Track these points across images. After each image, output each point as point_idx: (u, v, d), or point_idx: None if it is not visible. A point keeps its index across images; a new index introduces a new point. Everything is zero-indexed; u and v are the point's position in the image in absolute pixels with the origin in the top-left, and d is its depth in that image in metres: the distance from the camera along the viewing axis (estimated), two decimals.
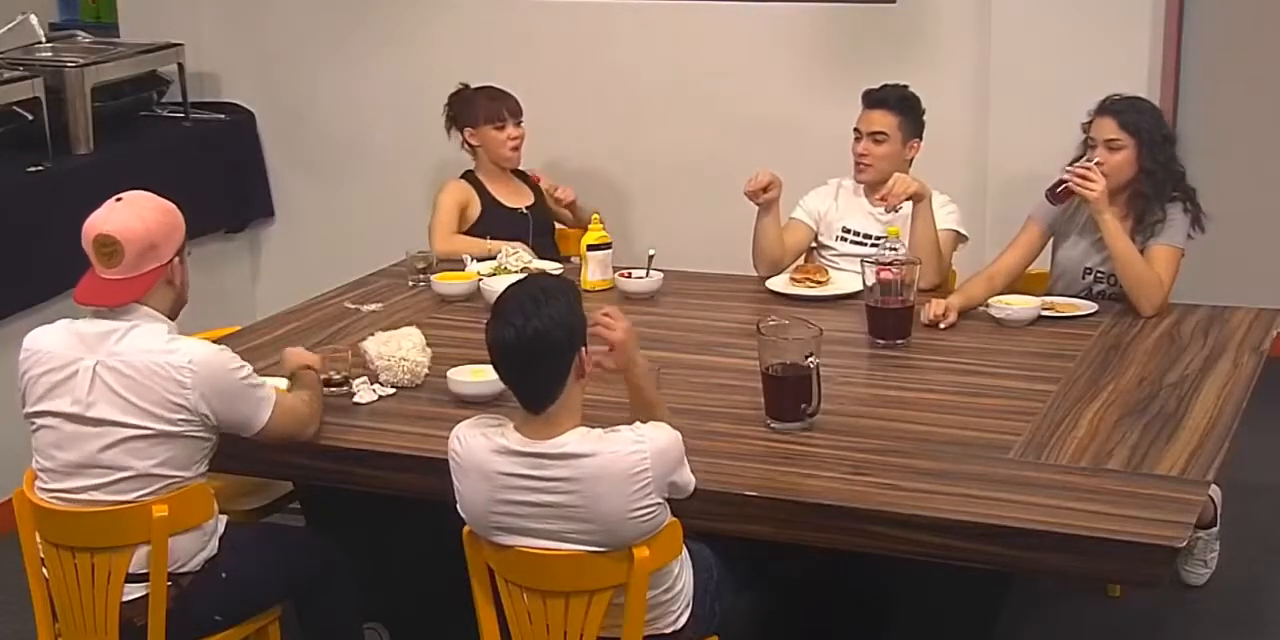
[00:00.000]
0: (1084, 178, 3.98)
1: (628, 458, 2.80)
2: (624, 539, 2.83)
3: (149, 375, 3.08)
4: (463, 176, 4.99)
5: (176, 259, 3.18)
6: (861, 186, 4.54)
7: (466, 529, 2.96)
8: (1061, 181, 4.03)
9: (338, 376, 3.62)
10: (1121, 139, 4.04)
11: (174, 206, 3.22)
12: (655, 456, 2.82)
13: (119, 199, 3.17)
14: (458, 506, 2.95)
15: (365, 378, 3.66)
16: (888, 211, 4.26)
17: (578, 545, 2.84)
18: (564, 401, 2.86)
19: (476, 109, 4.91)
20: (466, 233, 4.87)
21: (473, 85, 5.03)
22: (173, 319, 3.22)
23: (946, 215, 4.41)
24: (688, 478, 2.92)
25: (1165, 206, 4.06)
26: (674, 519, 2.92)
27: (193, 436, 3.13)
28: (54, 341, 3.16)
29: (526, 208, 4.97)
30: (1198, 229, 4.11)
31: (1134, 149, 4.04)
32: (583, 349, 2.90)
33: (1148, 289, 4.02)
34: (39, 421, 3.16)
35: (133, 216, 3.12)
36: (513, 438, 2.86)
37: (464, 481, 2.91)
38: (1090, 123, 4.11)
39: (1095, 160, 4.05)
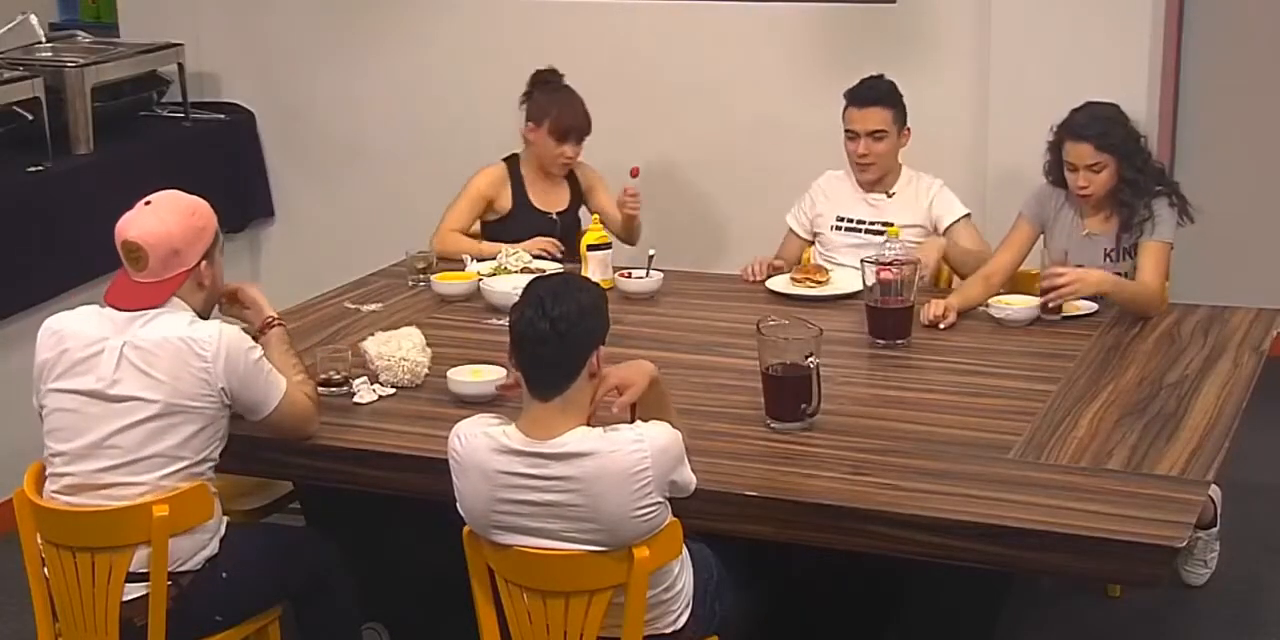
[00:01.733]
0: (1062, 287, 3.93)
1: (628, 456, 2.80)
2: (624, 538, 2.83)
3: (173, 352, 3.11)
4: (506, 160, 4.86)
5: (204, 262, 3.20)
6: (851, 174, 4.54)
7: (466, 529, 2.96)
8: (1046, 302, 3.98)
9: (338, 376, 3.62)
10: (1101, 161, 4.04)
11: (202, 207, 3.24)
12: (656, 455, 2.82)
13: (147, 202, 3.20)
14: (457, 506, 2.95)
15: (365, 378, 3.66)
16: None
17: (578, 545, 2.84)
18: (571, 395, 2.86)
19: (548, 115, 4.73)
20: (492, 224, 4.81)
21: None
22: (205, 317, 3.26)
23: (953, 204, 4.43)
24: (688, 477, 2.91)
25: (1151, 204, 4.06)
26: (674, 519, 2.91)
27: (209, 415, 3.15)
28: (81, 323, 3.19)
29: (558, 213, 4.85)
30: (1186, 219, 4.11)
31: (1114, 164, 4.04)
32: (600, 349, 2.91)
33: (1151, 307, 4.01)
34: (56, 401, 3.17)
35: (156, 222, 3.15)
36: (514, 436, 2.86)
37: (464, 480, 2.91)
38: (1058, 142, 4.09)
39: (1079, 185, 4.05)
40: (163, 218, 3.15)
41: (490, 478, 2.86)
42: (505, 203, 4.81)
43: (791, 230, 4.68)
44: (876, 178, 4.50)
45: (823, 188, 4.64)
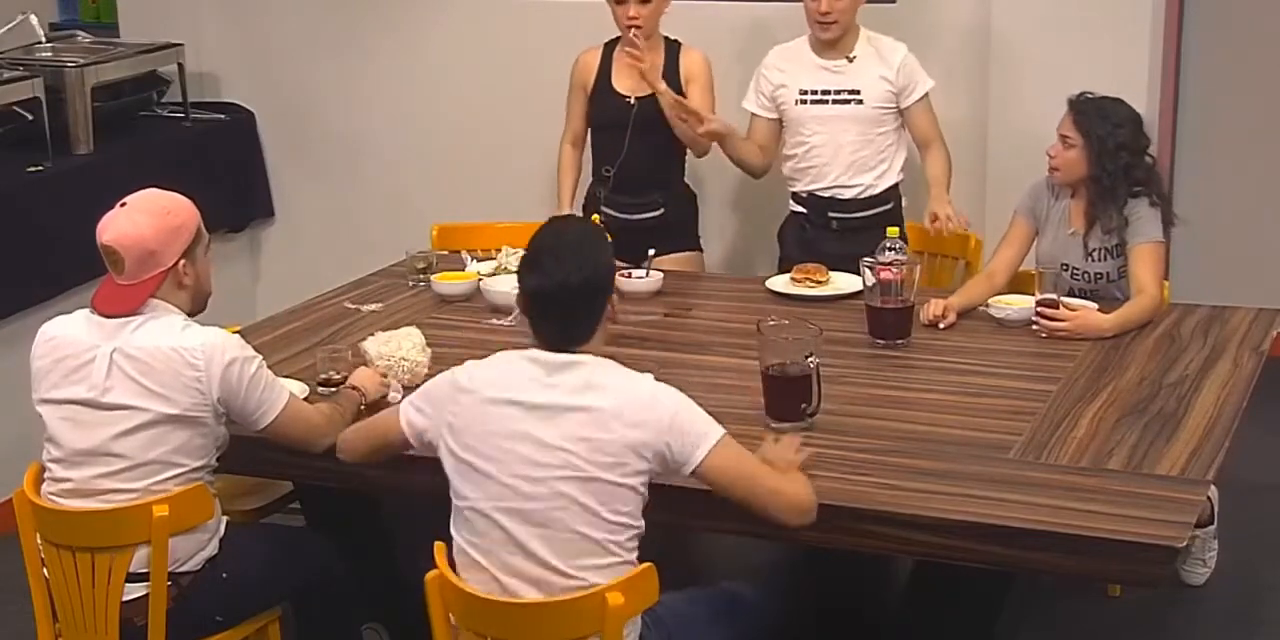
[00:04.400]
0: (1058, 327, 3.89)
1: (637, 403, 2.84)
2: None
3: (163, 360, 3.10)
4: (608, 42, 4.74)
5: (184, 261, 3.17)
6: (805, 43, 4.55)
7: (430, 575, 2.87)
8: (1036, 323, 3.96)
9: (338, 376, 3.62)
10: (1073, 138, 4.05)
11: (180, 206, 3.19)
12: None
13: (123, 204, 3.16)
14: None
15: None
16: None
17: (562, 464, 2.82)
18: (591, 347, 2.91)
19: None
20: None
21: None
22: (194, 314, 3.24)
23: (921, 72, 4.53)
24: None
25: (1124, 209, 4.04)
26: (648, 563, 2.83)
27: (204, 423, 3.15)
28: (73, 329, 3.18)
29: (638, 98, 4.66)
30: (1166, 224, 4.09)
31: (1083, 150, 4.05)
32: (613, 296, 2.94)
33: (1153, 315, 3.99)
34: (52, 409, 3.17)
35: (129, 225, 3.12)
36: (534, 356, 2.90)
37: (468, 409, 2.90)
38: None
39: (1049, 153, 4.09)
40: (135, 220, 3.12)
41: (509, 386, 2.87)
42: (592, 84, 4.67)
43: (754, 115, 4.64)
44: (838, 36, 4.47)
45: (774, 63, 4.61)
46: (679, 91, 4.61)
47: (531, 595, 2.81)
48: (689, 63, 4.68)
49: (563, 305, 2.86)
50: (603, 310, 2.92)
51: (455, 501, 2.92)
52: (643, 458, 2.81)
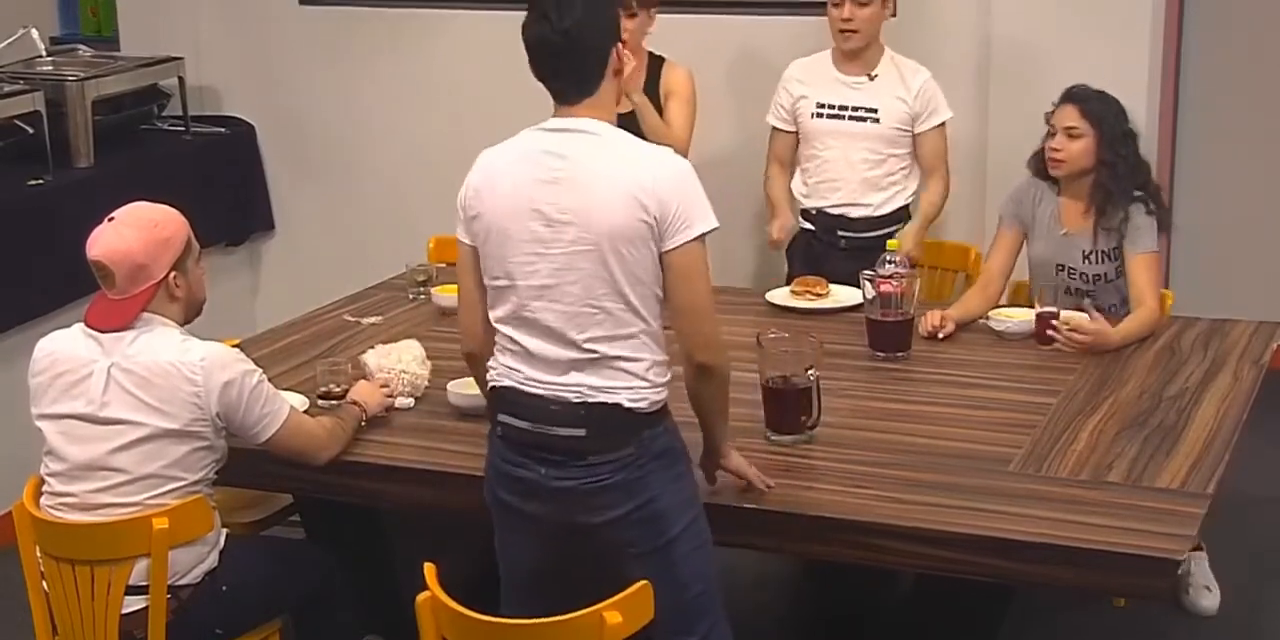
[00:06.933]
0: (1078, 339, 3.85)
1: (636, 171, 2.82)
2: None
3: (162, 374, 3.09)
4: None
5: (174, 273, 3.16)
6: (828, 56, 4.56)
7: (420, 598, 2.82)
8: (1046, 332, 3.93)
9: (338, 390, 3.62)
10: (1081, 128, 4.03)
11: (168, 218, 3.18)
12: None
13: (111, 218, 3.16)
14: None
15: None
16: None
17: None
18: (599, 98, 2.87)
19: None
20: None
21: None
22: (188, 323, 3.23)
23: (941, 101, 4.50)
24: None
25: (1129, 208, 4.04)
26: (644, 581, 2.78)
27: (203, 437, 3.14)
28: (69, 344, 3.18)
29: (620, 114, 4.69)
30: (1163, 231, 4.09)
31: (1093, 139, 4.03)
32: (619, 44, 2.86)
33: (1154, 327, 3.99)
34: (51, 424, 3.17)
35: (117, 239, 3.11)
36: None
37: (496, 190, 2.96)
38: (1053, 111, 4.11)
39: (1052, 147, 4.06)
40: (123, 234, 3.11)
41: (526, 160, 2.91)
42: None
43: (776, 128, 4.65)
44: (859, 47, 4.47)
45: (795, 76, 4.62)
46: (658, 105, 4.60)
47: None
48: (671, 78, 4.67)
49: (560, 55, 2.81)
50: (605, 59, 2.84)
51: None
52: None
